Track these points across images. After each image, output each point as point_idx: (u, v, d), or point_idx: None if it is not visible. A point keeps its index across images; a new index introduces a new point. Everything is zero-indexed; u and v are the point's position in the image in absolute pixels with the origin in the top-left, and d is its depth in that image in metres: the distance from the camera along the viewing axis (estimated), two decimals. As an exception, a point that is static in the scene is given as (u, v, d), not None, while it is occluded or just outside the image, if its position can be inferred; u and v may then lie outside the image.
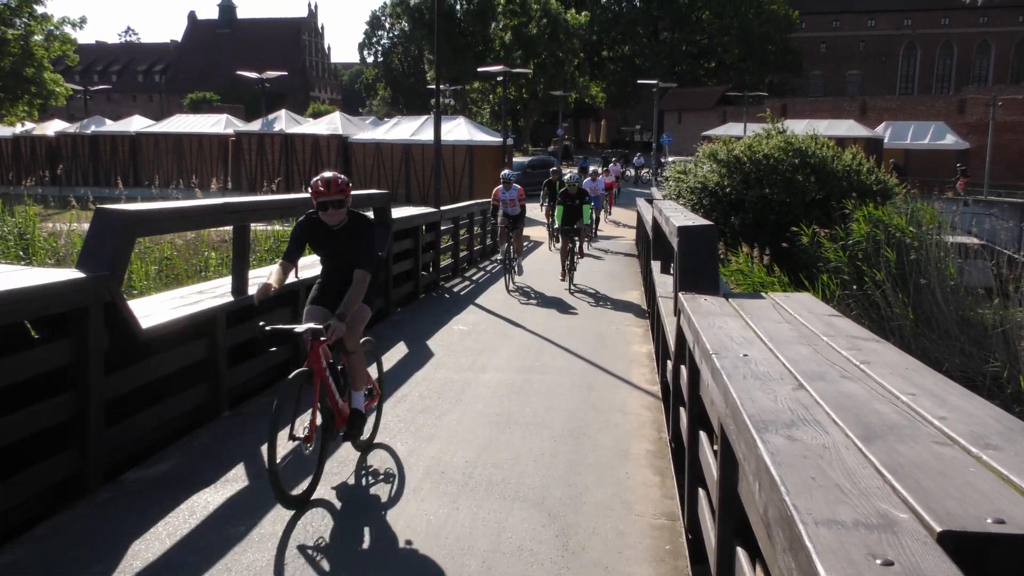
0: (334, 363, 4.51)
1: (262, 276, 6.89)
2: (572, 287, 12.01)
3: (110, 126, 43.04)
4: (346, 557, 3.64)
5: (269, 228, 15.12)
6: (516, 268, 12.37)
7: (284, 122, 37.26)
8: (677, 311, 4.58)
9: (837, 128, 37.38)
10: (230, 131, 38.38)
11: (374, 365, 5.33)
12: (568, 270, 12.05)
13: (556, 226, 12.24)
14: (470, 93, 61.44)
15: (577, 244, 12.29)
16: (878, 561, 1.25)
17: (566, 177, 12.70)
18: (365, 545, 3.76)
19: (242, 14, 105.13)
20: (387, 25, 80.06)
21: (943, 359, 8.76)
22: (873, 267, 9.94)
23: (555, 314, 10.15)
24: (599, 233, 21.46)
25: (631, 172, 44.36)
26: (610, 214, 26.00)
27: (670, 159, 35.35)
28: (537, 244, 18.88)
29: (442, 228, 12.71)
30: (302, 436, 4.09)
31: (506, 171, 12.56)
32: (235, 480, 4.45)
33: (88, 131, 41.53)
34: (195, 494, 4.23)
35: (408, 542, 3.79)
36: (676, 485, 4.49)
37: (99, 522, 3.91)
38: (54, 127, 43.63)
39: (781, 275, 11.52)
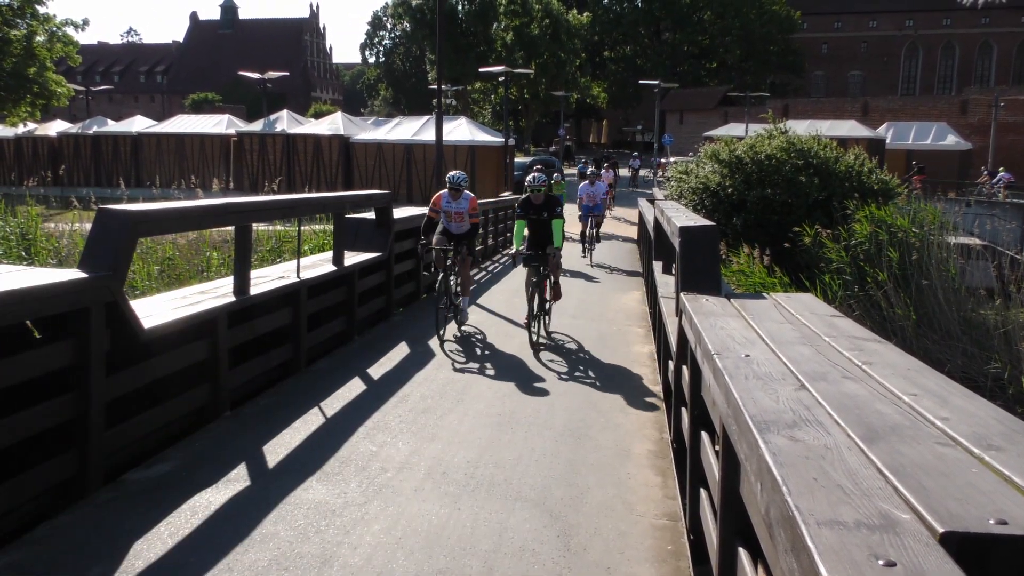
0: None
1: (264, 276, 6.91)
2: (540, 341, 8.17)
3: (112, 126, 43.15)
4: (347, 558, 3.64)
5: (271, 228, 15.13)
6: (459, 312, 8.73)
7: (286, 122, 37.34)
8: (679, 311, 4.58)
9: (839, 129, 37.33)
10: (232, 131, 38.46)
11: None
12: (534, 318, 8.14)
13: (514, 251, 8.69)
14: (472, 93, 61.46)
15: (547, 280, 8.52)
16: (880, 562, 1.25)
17: (528, 179, 8.72)
18: (367, 546, 3.75)
19: (244, 15, 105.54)
20: (389, 25, 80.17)
21: (945, 360, 8.75)
22: (875, 267, 9.93)
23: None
24: (602, 237, 18.61)
25: (627, 172, 42.10)
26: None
27: (672, 159, 35.31)
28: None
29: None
30: None
31: (455, 172, 8.68)
32: (236, 480, 4.45)
33: (90, 131, 41.64)
34: (196, 494, 4.23)
35: (410, 542, 3.79)
36: (677, 485, 4.48)
37: (100, 522, 3.91)
38: (56, 127, 43.75)
39: (782, 276, 11.52)
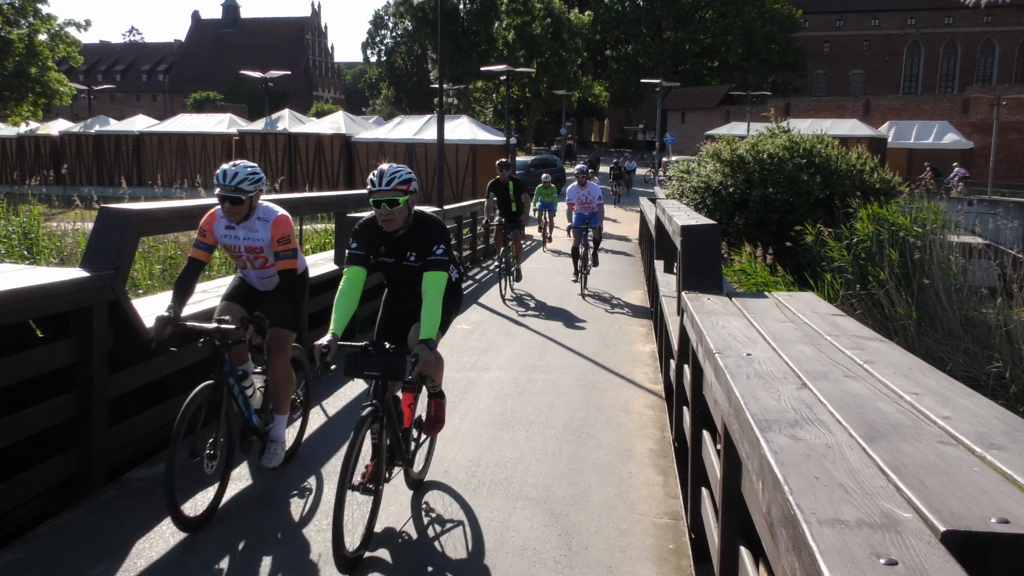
0: None
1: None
2: (362, 554, 3.54)
3: (114, 125, 43.21)
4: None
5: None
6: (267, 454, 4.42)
7: (288, 121, 37.35)
8: (680, 310, 4.58)
9: (841, 127, 37.29)
10: (233, 130, 38.48)
11: None
12: (355, 489, 3.54)
13: (325, 340, 3.54)
14: (473, 92, 61.50)
15: (410, 403, 4.07)
16: (882, 560, 1.25)
17: (372, 175, 3.66)
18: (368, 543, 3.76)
19: (246, 14, 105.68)
20: (390, 24, 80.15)
21: (947, 359, 8.73)
22: (877, 266, 9.92)
23: (557, 319, 9.96)
24: (603, 248, 14.74)
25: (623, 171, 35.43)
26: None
27: (674, 158, 35.22)
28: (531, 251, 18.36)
29: (445, 227, 12.60)
30: None
31: (231, 164, 4.06)
32: (239, 479, 4.46)
33: (92, 131, 41.68)
34: (199, 492, 4.23)
35: (412, 540, 3.79)
36: (679, 484, 4.48)
37: (102, 521, 3.92)
38: (58, 127, 43.82)
39: (784, 275, 11.50)
